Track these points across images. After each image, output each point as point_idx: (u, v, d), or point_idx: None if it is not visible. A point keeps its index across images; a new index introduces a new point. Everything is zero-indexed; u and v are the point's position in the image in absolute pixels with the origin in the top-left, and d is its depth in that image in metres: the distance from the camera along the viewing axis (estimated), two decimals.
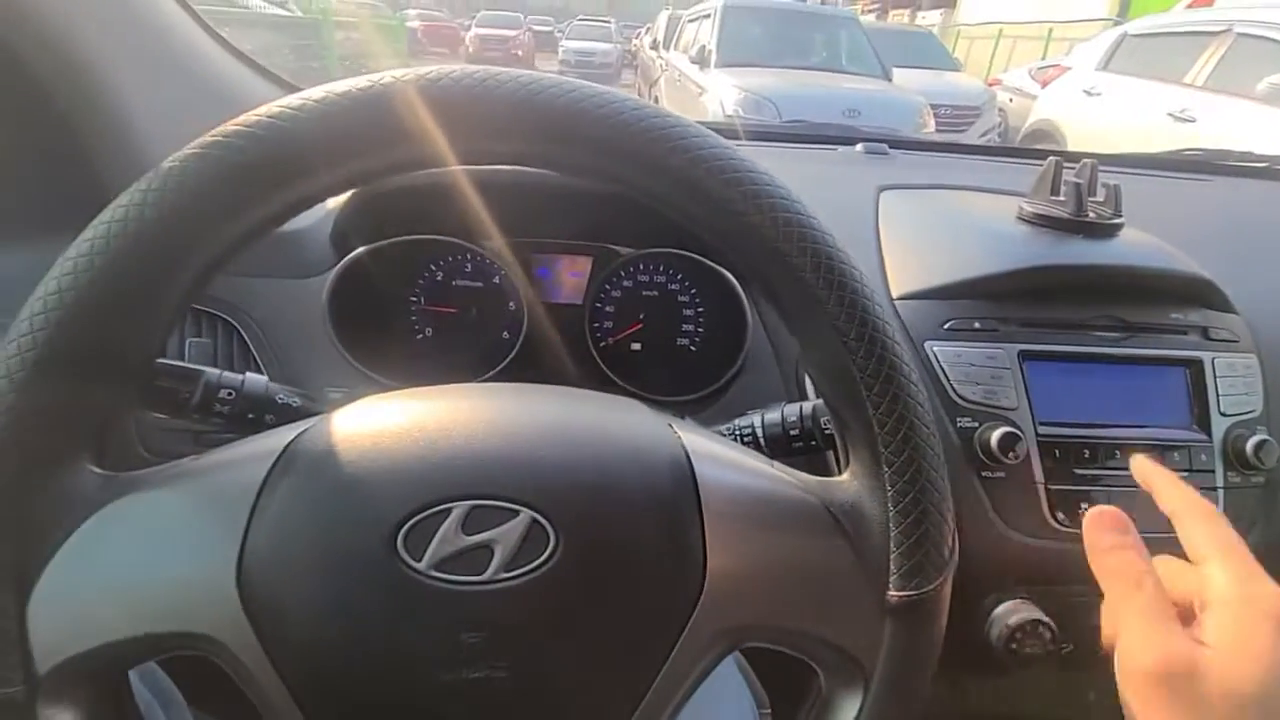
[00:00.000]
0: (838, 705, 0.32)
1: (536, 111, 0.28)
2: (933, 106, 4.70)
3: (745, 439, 0.45)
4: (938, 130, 4.63)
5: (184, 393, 0.38)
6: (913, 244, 0.61)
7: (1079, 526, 0.50)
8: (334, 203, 0.65)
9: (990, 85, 6.64)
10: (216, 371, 0.39)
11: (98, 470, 0.29)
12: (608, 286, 0.68)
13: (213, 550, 0.28)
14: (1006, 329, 0.52)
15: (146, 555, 0.28)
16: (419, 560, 0.28)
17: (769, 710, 0.54)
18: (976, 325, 0.52)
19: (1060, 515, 0.49)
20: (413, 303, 0.67)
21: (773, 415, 0.44)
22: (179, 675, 0.46)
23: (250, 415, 0.40)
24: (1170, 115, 3.42)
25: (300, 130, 0.27)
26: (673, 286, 0.69)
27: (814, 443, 0.43)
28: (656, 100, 6.37)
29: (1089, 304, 0.54)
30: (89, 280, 0.26)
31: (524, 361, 0.66)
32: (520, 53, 13.21)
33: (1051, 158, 0.57)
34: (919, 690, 0.31)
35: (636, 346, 0.69)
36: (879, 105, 4.48)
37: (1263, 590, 0.29)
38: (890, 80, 5.06)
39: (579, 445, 0.31)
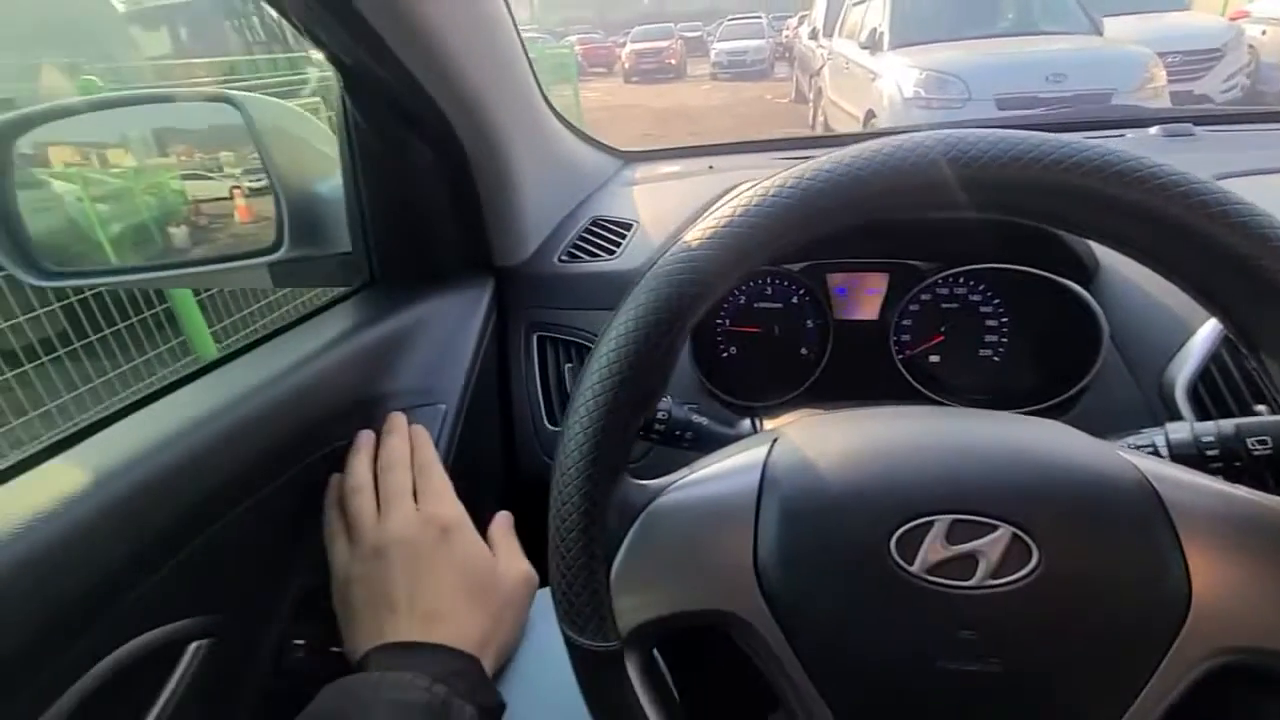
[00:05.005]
0: None
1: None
2: (1159, 55, 4.05)
3: None
4: (1170, 83, 3.98)
5: None
6: None
7: None
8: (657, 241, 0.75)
9: (1233, 19, 5.56)
10: None
11: (635, 481, 0.38)
12: (907, 301, 0.70)
13: (732, 545, 0.35)
14: None
15: (683, 548, 0.36)
16: (911, 564, 0.32)
17: None
18: None
19: None
20: (718, 324, 0.74)
21: (1179, 435, 0.43)
22: None
23: (676, 433, 0.48)
24: None
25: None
26: (974, 298, 0.69)
27: (1238, 464, 0.41)
28: (820, 91, 6.17)
29: None
30: (639, 346, 0.34)
31: (829, 375, 0.70)
32: (674, 60, 13.55)
33: None
34: None
35: (935, 359, 0.71)
36: (1088, 64, 3.96)
37: None
38: (1101, 34, 4.45)
39: (1045, 466, 0.33)
